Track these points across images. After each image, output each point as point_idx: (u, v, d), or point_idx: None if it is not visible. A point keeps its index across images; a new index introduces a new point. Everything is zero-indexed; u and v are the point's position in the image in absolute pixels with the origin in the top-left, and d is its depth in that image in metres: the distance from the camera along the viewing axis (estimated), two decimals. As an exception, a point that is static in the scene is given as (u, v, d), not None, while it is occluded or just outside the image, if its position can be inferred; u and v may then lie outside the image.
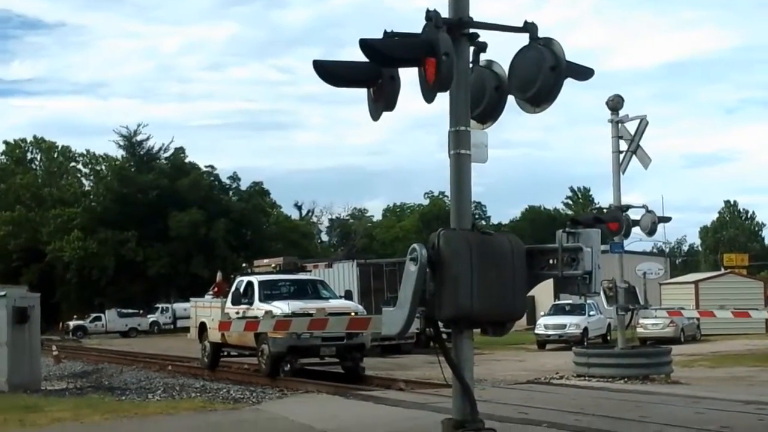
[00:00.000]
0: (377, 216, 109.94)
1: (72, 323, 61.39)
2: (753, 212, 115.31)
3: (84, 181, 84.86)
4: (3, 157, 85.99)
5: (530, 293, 6.49)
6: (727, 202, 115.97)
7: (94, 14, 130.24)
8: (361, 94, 6.08)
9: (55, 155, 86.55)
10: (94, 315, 63.19)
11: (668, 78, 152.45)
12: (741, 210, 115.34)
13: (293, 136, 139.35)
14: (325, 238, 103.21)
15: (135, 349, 38.06)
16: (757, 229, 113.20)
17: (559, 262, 6.06)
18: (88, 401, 15.55)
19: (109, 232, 70.32)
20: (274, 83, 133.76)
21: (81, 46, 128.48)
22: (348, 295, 24.79)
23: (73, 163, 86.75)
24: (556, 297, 38.01)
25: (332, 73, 5.97)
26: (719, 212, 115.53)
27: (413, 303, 5.77)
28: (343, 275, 37.33)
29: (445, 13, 5.85)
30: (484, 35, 6.09)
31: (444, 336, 6.21)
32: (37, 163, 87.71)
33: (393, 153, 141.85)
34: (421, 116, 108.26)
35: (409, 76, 5.85)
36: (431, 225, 68.13)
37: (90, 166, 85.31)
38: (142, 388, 19.71)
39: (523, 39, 6.15)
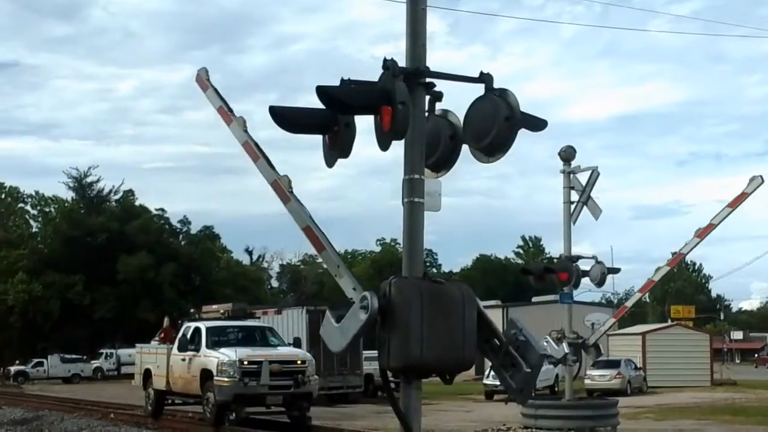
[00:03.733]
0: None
1: (13, 368, 60.12)
2: (700, 265, 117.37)
3: (32, 222, 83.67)
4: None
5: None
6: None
7: (49, 55, 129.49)
8: (317, 140, 6.06)
9: (3, 196, 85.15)
10: (36, 360, 61.93)
11: (621, 130, 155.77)
12: (689, 262, 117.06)
13: (247, 181, 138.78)
14: (275, 284, 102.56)
15: (77, 396, 37.32)
16: (704, 281, 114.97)
17: (500, 359, 6.04)
18: (27, 449, 15.15)
19: (56, 275, 69.07)
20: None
21: (34, 87, 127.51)
22: (297, 343, 24.57)
23: (21, 204, 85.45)
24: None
25: (288, 119, 5.95)
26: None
27: (356, 338, 5.75)
28: (292, 322, 36.90)
29: (402, 62, 5.88)
30: (440, 85, 6.11)
31: (392, 385, 6.16)
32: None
33: (346, 199, 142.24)
34: (375, 164, 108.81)
35: (364, 124, 5.85)
36: (383, 272, 68.14)
37: (38, 207, 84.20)
38: (84, 436, 19.27)
39: (479, 89, 6.18)
